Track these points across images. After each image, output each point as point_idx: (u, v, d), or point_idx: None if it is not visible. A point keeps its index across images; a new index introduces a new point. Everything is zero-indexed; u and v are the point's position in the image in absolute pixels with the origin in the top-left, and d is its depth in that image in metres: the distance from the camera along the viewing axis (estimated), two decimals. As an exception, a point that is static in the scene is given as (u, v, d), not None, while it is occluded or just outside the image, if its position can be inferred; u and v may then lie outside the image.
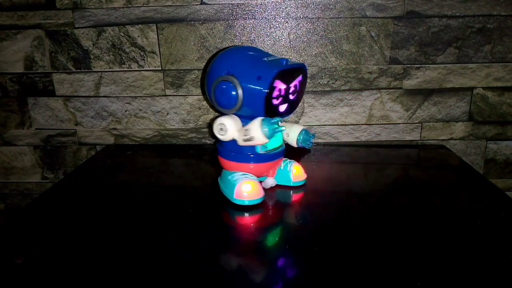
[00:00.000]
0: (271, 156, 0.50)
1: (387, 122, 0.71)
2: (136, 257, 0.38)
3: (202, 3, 0.66)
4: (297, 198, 0.51)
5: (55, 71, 0.71)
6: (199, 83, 0.70)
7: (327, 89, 0.70)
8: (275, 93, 0.45)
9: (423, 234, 0.41)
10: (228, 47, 0.54)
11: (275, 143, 0.50)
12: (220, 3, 0.66)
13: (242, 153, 0.49)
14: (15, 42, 0.69)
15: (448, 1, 0.65)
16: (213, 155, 0.68)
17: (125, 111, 0.72)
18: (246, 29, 0.67)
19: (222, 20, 0.66)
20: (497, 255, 0.37)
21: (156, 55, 0.69)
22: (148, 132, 0.74)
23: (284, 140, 0.54)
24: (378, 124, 0.71)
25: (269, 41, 0.67)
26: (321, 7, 0.65)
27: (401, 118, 0.71)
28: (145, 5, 0.66)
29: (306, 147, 0.58)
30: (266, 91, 0.44)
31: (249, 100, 0.45)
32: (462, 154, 0.72)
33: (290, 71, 0.46)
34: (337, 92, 0.70)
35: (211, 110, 0.71)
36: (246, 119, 0.47)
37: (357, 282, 0.34)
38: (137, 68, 0.70)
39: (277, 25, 0.67)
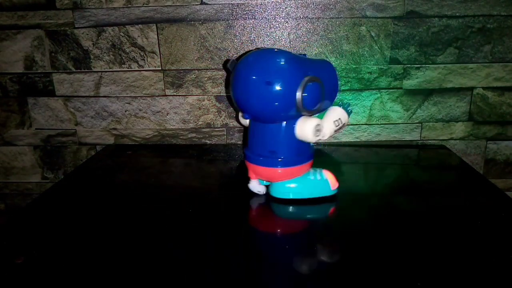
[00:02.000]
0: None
1: (387, 122, 0.71)
2: (136, 257, 0.38)
3: (202, 3, 0.66)
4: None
5: (55, 71, 0.71)
6: (199, 83, 0.70)
7: (327, 89, 0.69)
8: None
9: (423, 234, 0.41)
10: (263, 48, 0.55)
11: None
12: (220, 3, 0.66)
13: (307, 152, 0.49)
14: (15, 42, 0.69)
15: (448, 1, 0.65)
16: (213, 155, 0.68)
17: (125, 111, 0.72)
18: (246, 29, 0.67)
19: (222, 20, 0.66)
20: (497, 255, 0.37)
21: (156, 55, 0.69)
22: (148, 132, 0.74)
23: None
24: (378, 124, 0.71)
25: (269, 41, 0.67)
26: (321, 7, 0.65)
27: (401, 118, 0.71)
28: (145, 5, 0.66)
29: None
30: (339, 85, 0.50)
31: (328, 97, 0.48)
32: (462, 154, 0.72)
33: None
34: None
35: (211, 110, 0.71)
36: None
37: (357, 282, 0.34)
38: (137, 68, 0.70)
39: (277, 25, 0.67)
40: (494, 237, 0.40)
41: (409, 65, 0.68)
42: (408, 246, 0.39)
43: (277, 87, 0.43)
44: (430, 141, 0.72)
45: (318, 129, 0.46)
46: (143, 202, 0.50)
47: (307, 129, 0.45)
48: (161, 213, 0.47)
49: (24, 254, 0.38)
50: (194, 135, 0.73)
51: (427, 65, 0.68)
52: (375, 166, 0.63)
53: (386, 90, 0.69)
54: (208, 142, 0.74)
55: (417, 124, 0.71)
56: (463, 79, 0.69)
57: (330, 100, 0.50)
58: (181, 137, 0.74)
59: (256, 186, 0.50)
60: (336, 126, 0.48)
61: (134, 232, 0.43)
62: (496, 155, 0.73)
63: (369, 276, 0.35)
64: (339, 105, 0.50)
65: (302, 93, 0.43)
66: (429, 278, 0.34)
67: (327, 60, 0.53)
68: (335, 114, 0.48)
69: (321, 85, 0.45)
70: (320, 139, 0.47)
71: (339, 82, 0.51)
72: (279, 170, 0.47)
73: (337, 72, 0.52)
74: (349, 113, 0.50)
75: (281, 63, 0.45)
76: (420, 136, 0.72)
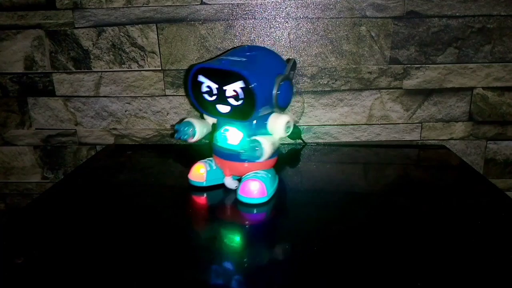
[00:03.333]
0: (222, 154, 0.51)
1: (387, 122, 0.71)
2: (136, 257, 0.38)
3: (202, 3, 0.66)
4: (296, 198, 0.51)
5: (55, 71, 0.71)
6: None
7: (327, 89, 0.70)
8: (203, 88, 0.48)
9: (423, 234, 0.41)
10: (243, 46, 0.54)
11: (223, 141, 0.50)
12: (220, 3, 0.66)
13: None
14: (15, 42, 0.69)
15: (448, 1, 0.65)
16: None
17: (125, 111, 0.72)
18: (246, 29, 0.67)
19: (222, 20, 0.66)
20: (497, 255, 0.37)
21: (156, 55, 0.69)
22: (148, 132, 0.74)
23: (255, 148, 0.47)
24: (378, 124, 0.71)
25: (269, 41, 0.67)
26: (321, 7, 0.65)
27: (401, 118, 0.71)
28: (145, 5, 0.66)
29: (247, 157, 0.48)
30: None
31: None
32: (462, 154, 0.72)
33: (217, 71, 0.47)
34: (337, 92, 0.70)
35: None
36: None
37: (357, 282, 0.34)
38: (137, 68, 0.70)
39: (277, 25, 0.67)
40: (494, 237, 0.40)
41: (409, 65, 0.68)
42: (408, 246, 0.39)
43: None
44: (430, 141, 0.72)
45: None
46: (143, 202, 0.50)
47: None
48: (161, 213, 0.47)
49: (24, 254, 0.38)
50: (194, 135, 0.73)
51: (427, 65, 0.68)
52: (375, 166, 0.63)
53: (386, 90, 0.69)
54: (208, 142, 0.74)
55: (417, 124, 0.71)
56: (463, 79, 0.69)
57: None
58: (181, 137, 0.74)
59: (231, 182, 0.51)
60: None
61: (134, 232, 0.43)
62: (496, 155, 0.73)
63: (369, 276, 0.35)
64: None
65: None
66: (429, 278, 0.34)
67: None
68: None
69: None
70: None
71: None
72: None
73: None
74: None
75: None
76: (420, 136, 0.72)
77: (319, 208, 0.48)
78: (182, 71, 0.69)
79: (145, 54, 0.69)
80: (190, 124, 0.51)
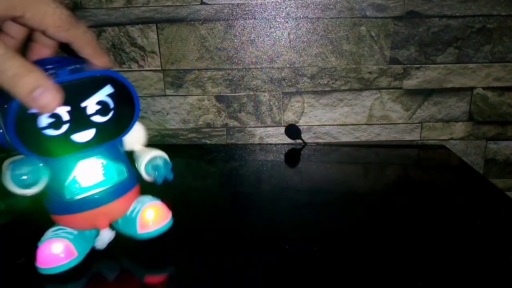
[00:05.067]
0: (90, 203, 0.34)
1: (387, 122, 0.71)
2: (136, 257, 0.38)
3: (202, 3, 0.66)
4: (292, 198, 0.51)
5: (55, 71, 0.70)
6: (199, 83, 0.70)
7: (327, 89, 0.70)
8: (42, 123, 0.30)
9: (423, 234, 0.41)
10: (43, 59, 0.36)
11: (82, 189, 0.34)
12: (220, 3, 0.66)
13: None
14: (15, 42, 0.69)
15: (448, 1, 0.65)
16: (213, 155, 0.68)
17: (125, 111, 0.72)
18: (246, 29, 0.67)
19: (222, 20, 0.66)
20: (497, 255, 0.37)
21: (156, 55, 0.69)
22: (148, 132, 0.73)
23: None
24: (378, 124, 0.71)
25: (269, 41, 0.67)
26: (321, 7, 0.65)
27: (401, 118, 0.71)
28: (145, 5, 0.66)
29: (157, 180, 0.38)
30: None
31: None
32: (462, 154, 0.72)
33: (67, 86, 0.30)
34: (337, 92, 0.70)
35: (211, 110, 0.71)
36: None
37: (357, 282, 0.34)
38: (137, 68, 0.70)
39: (277, 25, 0.67)
40: (494, 237, 0.40)
41: (409, 65, 0.68)
42: (408, 246, 0.39)
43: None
44: (430, 141, 0.72)
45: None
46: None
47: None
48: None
49: (24, 254, 0.38)
50: (194, 135, 0.73)
51: (427, 65, 0.68)
52: (375, 166, 0.63)
53: (386, 90, 0.69)
54: (208, 142, 0.74)
55: (417, 124, 0.71)
56: (463, 79, 0.69)
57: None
58: (181, 137, 0.74)
59: (108, 234, 0.36)
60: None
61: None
62: (496, 155, 0.73)
63: (369, 276, 0.35)
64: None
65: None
66: (429, 278, 0.34)
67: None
68: None
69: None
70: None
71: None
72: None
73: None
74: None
75: None
76: (420, 136, 0.72)
77: (319, 208, 0.48)
78: (182, 71, 0.69)
79: (145, 54, 0.69)
80: (37, 168, 0.32)
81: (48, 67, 0.31)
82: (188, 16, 0.67)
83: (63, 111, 0.31)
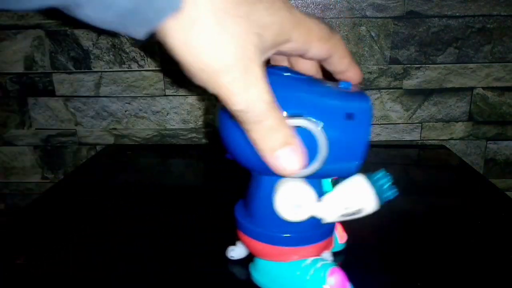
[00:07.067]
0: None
1: (387, 122, 0.71)
2: (136, 257, 0.38)
3: (202, 3, 0.66)
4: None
5: (55, 71, 0.71)
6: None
7: (327, 89, 0.69)
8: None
9: (423, 234, 0.41)
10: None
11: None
12: (220, 3, 0.66)
13: (310, 230, 0.32)
14: (15, 42, 0.69)
15: (448, 1, 0.65)
16: (213, 155, 0.68)
17: (125, 111, 0.72)
18: (246, 29, 0.67)
19: (222, 20, 0.66)
20: (497, 255, 0.37)
21: (156, 55, 0.69)
22: (148, 132, 0.74)
23: None
24: (378, 124, 0.71)
25: (269, 41, 0.67)
26: (321, 7, 0.65)
27: (401, 118, 0.71)
28: (145, 5, 0.66)
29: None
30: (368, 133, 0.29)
31: (337, 157, 0.30)
32: (462, 154, 0.72)
33: None
34: (337, 92, 0.70)
35: (211, 110, 0.71)
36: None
37: (357, 282, 0.34)
38: (137, 68, 0.70)
39: (277, 25, 0.67)
40: (494, 237, 0.40)
41: (409, 65, 0.68)
42: (408, 246, 0.39)
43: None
44: (430, 141, 0.72)
45: (297, 204, 0.28)
46: (143, 203, 0.50)
47: (277, 198, 0.28)
48: (161, 214, 0.47)
49: (24, 254, 0.38)
50: (194, 135, 0.73)
51: (427, 65, 0.68)
52: (375, 166, 0.63)
53: (386, 90, 0.69)
54: (208, 142, 0.74)
55: (417, 124, 0.71)
56: (463, 79, 0.69)
57: (342, 161, 0.31)
58: (181, 137, 0.74)
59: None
60: (346, 209, 0.31)
61: (134, 232, 0.43)
62: (496, 155, 0.73)
63: (369, 276, 0.35)
64: (371, 179, 0.32)
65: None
66: (429, 278, 0.34)
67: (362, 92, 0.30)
68: (344, 187, 0.31)
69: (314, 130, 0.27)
70: (298, 220, 0.28)
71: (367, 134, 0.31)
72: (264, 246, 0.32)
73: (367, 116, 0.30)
74: (383, 198, 0.32)
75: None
76: (420, 136, 0.72)
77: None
78: (182, 71, 0.69)
79: (145, 54, 0.69)
80: None
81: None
82: (188, 16, 0.66)
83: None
